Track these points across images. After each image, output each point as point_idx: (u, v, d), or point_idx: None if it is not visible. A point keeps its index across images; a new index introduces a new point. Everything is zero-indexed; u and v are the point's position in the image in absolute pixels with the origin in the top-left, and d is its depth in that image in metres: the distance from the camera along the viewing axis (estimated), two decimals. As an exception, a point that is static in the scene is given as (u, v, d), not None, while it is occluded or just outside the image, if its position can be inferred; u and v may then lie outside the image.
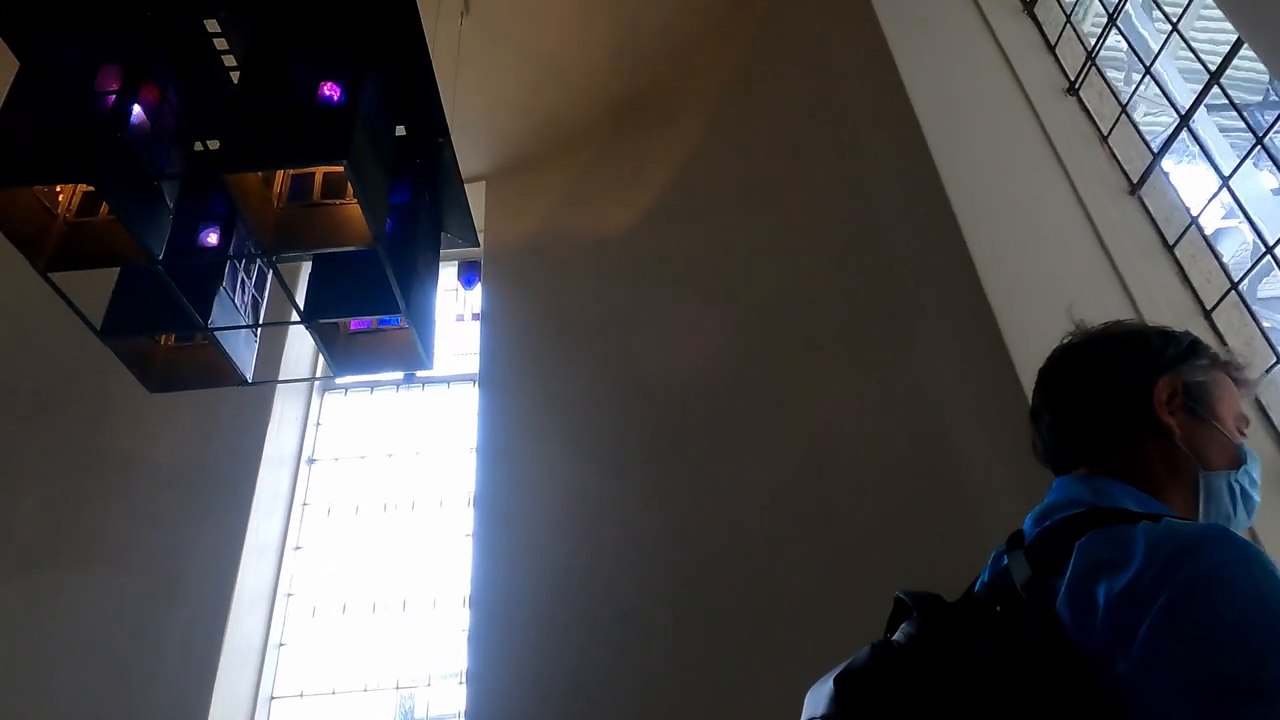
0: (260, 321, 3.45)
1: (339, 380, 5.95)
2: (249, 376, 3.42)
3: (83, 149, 2.55)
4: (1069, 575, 1.08)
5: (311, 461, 5.54)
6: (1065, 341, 1.49)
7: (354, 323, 3.61)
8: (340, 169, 2.99)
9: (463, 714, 4.37)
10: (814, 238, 4.01)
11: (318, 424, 5.72)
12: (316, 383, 5.81)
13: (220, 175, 2.56)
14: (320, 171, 3.06)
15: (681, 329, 4.67)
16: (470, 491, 5.07)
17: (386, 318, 3.58)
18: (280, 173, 3.01)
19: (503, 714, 4.25)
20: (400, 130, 3.47)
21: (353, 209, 2.96)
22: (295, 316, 3.15)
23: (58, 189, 2.93)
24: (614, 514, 4.60)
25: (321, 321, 3.24)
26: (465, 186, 3.68)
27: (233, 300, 3.31)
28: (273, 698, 4.74)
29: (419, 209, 3.53)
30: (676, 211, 5.04)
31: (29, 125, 2.64)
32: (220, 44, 3.11)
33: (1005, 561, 1.40)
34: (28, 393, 5.02)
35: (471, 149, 5.72)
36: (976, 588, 1.58)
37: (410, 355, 3.52)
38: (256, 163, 2.59)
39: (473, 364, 5.84)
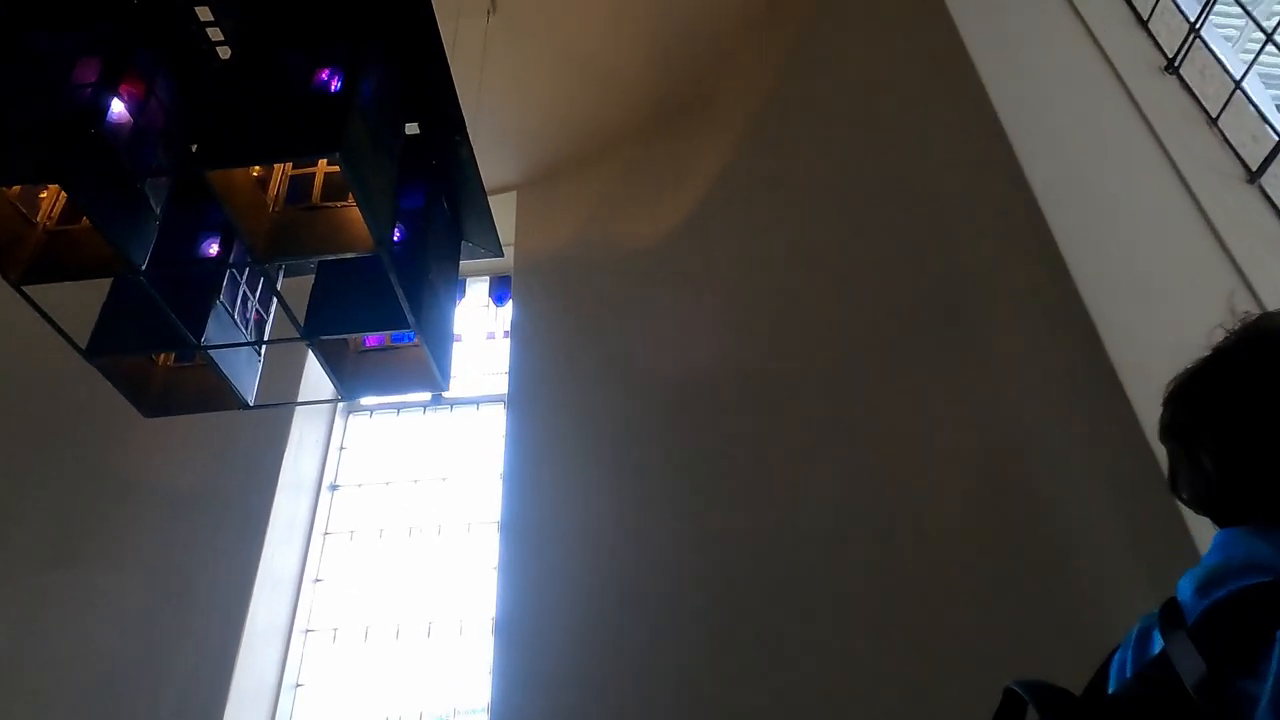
0: (264, 340, 3.15)
1: (364, 401, 5.69)
2: (250, 399, 3.13)
3: (50, 144, 2.28)
4: (1274, 681, 0.76)
5: (334, 488, 5.26)
6: (1227, 340, 1.10)
7: (368, 341, 3.31)
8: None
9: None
10: (873, 237, 3.60)
11: (341, 448, 5.45)
12: (340, 406, 5.54)
13: (200, 173, 2.26)
14: (321, 171, 2.78)
15: (725, 343, 4.29)
16: (498, 518, 4.75)
17: (400, 334, 3.29)
18: (277, 173, 2.74)
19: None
20: (414, 131, 3.18)
21: (355, 212, 2.67)
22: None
23: (40, 194, 2.70)
24: (650, 542, 4.23)
25: (326, 339, 2.94)
26: (494, 198, 3.39)
27: (232, 316, 3.02)
28: (288, 740, 4.44)
29: (434, 215, 3.21)
30: (719, 215, 4.67)
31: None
32: (215, 35, 2.84)
33: (1158, 645, 1.03)
34: (31, 413, 4.83)
35: (500, 158, 5.45)
36: (1113, 678, 1.19)
37: (424, 376, 3.20)
38: (238, 157, 2.29)
39: (505, 384, 5.54)
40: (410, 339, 3.23)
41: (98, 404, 4.71)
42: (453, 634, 4.75)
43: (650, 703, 3.86)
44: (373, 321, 2.84)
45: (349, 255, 2.58)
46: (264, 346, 3.24)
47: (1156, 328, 2.41)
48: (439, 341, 3.08)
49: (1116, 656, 1.16)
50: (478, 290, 6.14)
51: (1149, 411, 2.27)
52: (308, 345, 2.89)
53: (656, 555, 4.16)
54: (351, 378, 3.17)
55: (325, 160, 2.77)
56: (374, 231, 2.47)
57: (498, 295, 6.04)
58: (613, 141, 5.46)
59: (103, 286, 2.92)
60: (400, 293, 2.62)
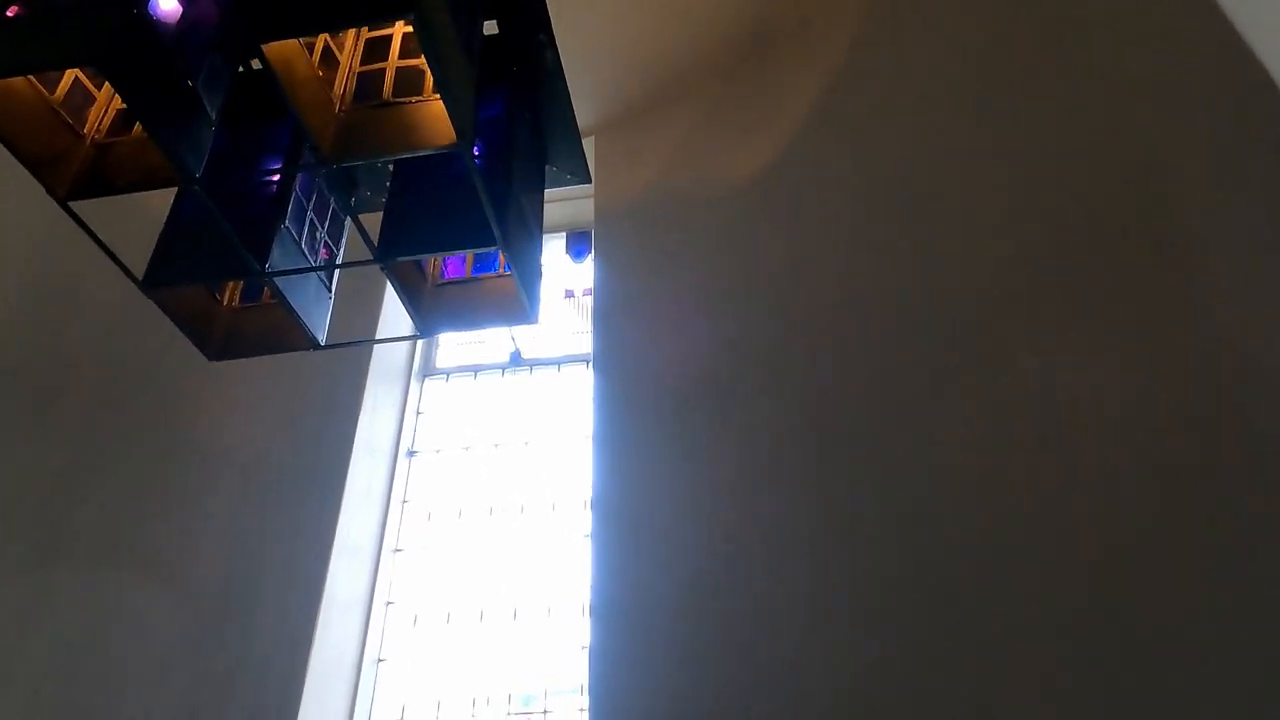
0: (334, 264, 2.85)
1: (440, 364, 5.41)
2: (321, 338, 2.83)
3: (88, 25, 1.98)
4: None
5: (411, 454, 4.99)
6: None
7: (447, 271, 2.98)
8: (417, 61, 2.42)
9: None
10: (1029, 142, 3.05)
11: (418, 412, 5.18)
12: (415, 369, 5.28)
13: (257, 45, 1.93)
14: (392, 66, 2.44)
15: (840, 283, 3.80)
16: (587, 487, 4.38)
17: (482, 264, 2.95)
18: (343, 71, 2.42)
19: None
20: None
21: (431, 106, 2.32)
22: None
23: (88, 109, 2.44)
24: (758, 515, 3.80)
25: (402, 261, 2.60)
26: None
27: (299, 246, 2.72)
28: (370, 716, 4.17)
29: (517, 131, 2.85)
30: (826, 143, 4.17)
31: (34, 11, 2.12)
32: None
33: None
34: (96, 377, 4.68)
35: (577, 99, 5.05)
36: None
37: (511, 307, 2.84)
38: (299, 25, 1.94)
39: (586, 344, 5.17)
40: (493, 267, 2.89)
41: (165, 370, 4.56)
42: (541, 609, 4.42)
43: (758, 683, 3.45)
44: (454, 239, 2.48)
45: (425, 152, 2.23)
46: (334, 282, 2.93)
47: None
48: (526, 266, 2.72)
49: None
50: (554, 247, 5.78)
51: None
52: (382, 270, 2.56)
53: (770, 531, 3.72)
54: (430, 312, 2.84)
55: (397, 51, 2.47)
56: (454, 121, 2.11)
57: (576, 251, 5.68)
58: (700, 75, 5.00)
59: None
60: (484, 196, 2.26)
